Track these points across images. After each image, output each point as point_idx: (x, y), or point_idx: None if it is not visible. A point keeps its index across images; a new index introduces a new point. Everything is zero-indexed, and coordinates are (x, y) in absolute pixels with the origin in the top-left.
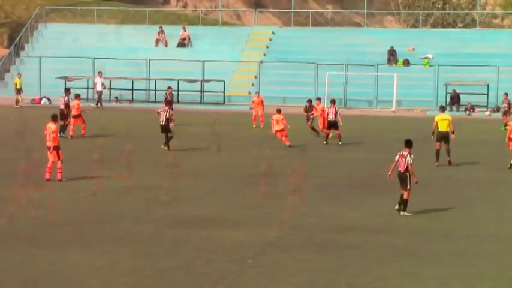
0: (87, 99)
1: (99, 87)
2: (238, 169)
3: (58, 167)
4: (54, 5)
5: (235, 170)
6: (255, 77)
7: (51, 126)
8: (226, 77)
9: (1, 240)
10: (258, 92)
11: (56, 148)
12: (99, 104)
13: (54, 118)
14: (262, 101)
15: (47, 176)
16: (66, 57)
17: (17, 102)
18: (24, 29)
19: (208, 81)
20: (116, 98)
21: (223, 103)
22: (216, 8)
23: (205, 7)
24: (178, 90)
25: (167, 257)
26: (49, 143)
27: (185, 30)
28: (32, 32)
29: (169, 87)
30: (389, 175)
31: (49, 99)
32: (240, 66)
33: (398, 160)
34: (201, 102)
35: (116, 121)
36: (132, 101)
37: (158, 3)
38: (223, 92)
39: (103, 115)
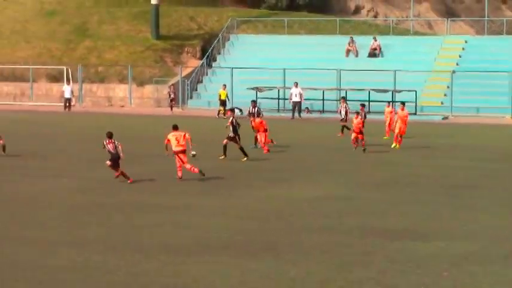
0: (278, 110)
1: (295, 98)
2: (428, 180)
3: (188, 168)
4: (245, 17)
5: (425, 180)
6: (447, 87)
7: (181, 133)
8: (417, 87)
9: (194, 249)
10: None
11: (183, 152)
12: (296, 115)
13: (175, 127)
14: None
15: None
16: (257, 68)
17: (219, 113)
18: (216, 41)
19: (399, 91)
20: (307, 108)
21: (415, 113)
22: (407, 17)
23: (396, 16)
24: (369, 101)
25: (358, 268)
26: (179, 148)
27: (376, 40)
28: (223, 43)
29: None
30: None
31: (240, 110)
32: (432, 76)
33: None
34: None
35: (306, 131)
36: (323, 111)
37: (349, 13)
38: (415, 102)
39: (296, 126)
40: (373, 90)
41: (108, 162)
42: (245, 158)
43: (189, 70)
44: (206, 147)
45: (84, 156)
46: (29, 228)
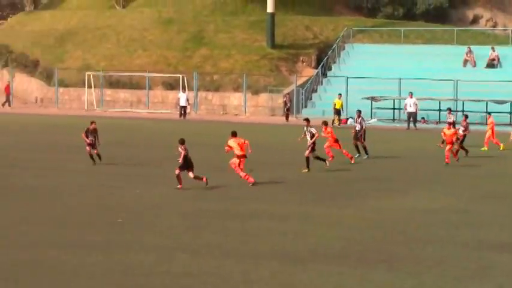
0: (393, 120)
1: (410, 108)
2: None
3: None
4: (361, 26)
5: None
6: None
7: (241, 139)
8: None
9: (308, 258)
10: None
11: (244, 157)
12: (411, 125)
13: (234, 134)
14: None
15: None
16: (372, 78)
17: (333, 122)
18: (331, 50)
19: None
20: (423, 118)
21: None
22: None
23: None
24: (486, 112)
25: (475, 281)
26: (241, 153)
27: (494, 51)
28: (338, 52)
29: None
30: None
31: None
32: None
33: None
34: (510, 124)
35: (420, 142)
36: (439, 122)
37: (467, 23)
38: None
39: (411, 136)
40: (491, 101)
41: (177, 171)
42: (306, 170)
43: (304, 79)
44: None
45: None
46: (147, 234)
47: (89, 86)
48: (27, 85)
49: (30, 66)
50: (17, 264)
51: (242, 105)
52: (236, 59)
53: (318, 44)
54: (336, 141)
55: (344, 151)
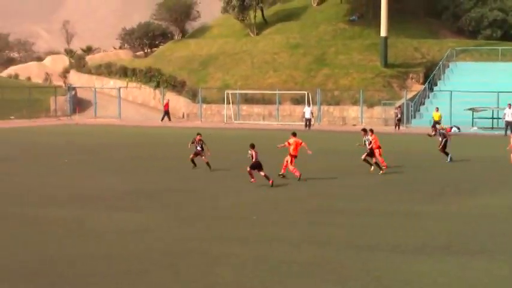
0: (492, 128)
1: (508, 118)
2: None
3: (291, 170)
4: (463, 47)
5: None
6: None
7: (299, 140)
8: None
9: (418, 249)
10: None
11: (296, 156)
12: (508, 132)
13: (294, 134)
14: None
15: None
16: (473, 92)
17: (433, 132)
18: (437, 68)
19: None
20: None
21: None
22: None
23: None
24: None
25: None
26: (295, 152)
27: None
28: (443, 70)
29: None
30: None
31: (458, 128)
32: None
33: None
34: None
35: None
36: None
37: None
38: None
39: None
40: None
41: (248, 169)
42: (380, 172)
43: (413, 93)
44: (408, 160)
45: (323, 168)
46: (277, 229)
47: (228, 102)
48: (175, 102)
49: (178, 87)
50: (171, 254)
51: (359, 117)
52: (354, 77)
53: (426, 63)
54: (379, 147)
55: (381, 158)
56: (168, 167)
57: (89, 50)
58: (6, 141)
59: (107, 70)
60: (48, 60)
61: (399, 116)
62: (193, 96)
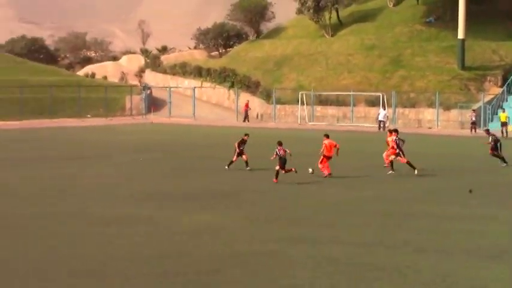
0: None
1: None
2: None
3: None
4: None
5: None
6: None
7: (334, 142)
8: None
9: (486, 253)
10: None
11: (330, 158)
12: None
13: (327, 136)
14: None
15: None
16: None
17: (502, 133)
18: None
19: None
20: None
21: None
22: None
23: None
24: None
25: None
26: (329, 154)
27: None
28: None
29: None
30: None
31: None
32: None
33: None
34: None
35: None
36: None
37: None
38: None
39: None
40: None
41: (277, 167)
42: (416, 171)
43: (490, 96)
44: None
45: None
46: (348, 231)
47: (302, 103)
48: (249, 103)
49: (252, 87)
50: (244, 254)
51: (435, 120)
52: (430, 79)
53: (504, 66)
54: (393, 148)
55: (392, 159)
56: (241, 167)
57: (164, 50)
58: (83, 139)
59: (182, 70)
60: (124, 60)
61: (473, 119)
62: (267, 96)
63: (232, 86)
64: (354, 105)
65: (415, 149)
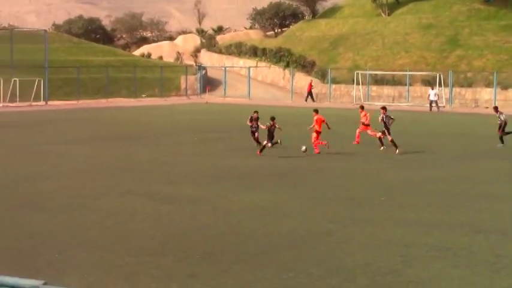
0: None
1: None
2: None
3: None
4: None
5: None
6: None
7: (320, 117)
8: None
9: None
10: None
11: (319, 133)
12: None
13: (316, 111)
14: None
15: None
16: None
17: None
18: None
19: None
20: None
21: None
22: None
23: None
24: None
25: None
26: (318, 128)
27: None
28: None
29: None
30: None
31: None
32: None
33: None
34: None
35: None
36: None
37: None
38: None
39: None
40: None
41: (266, 142)
42: (397, 151)
43: None
44: None
45: (455, 152)
46: (409, 210)
47: (357, 83)
48: (305, 82)
49: (307, 67)
50: (299, 234)
51: (492, 99)
52: (488, 58)
53: None
54: (364, 124)
55: (371, 132)
56: (295, 146)
57: (219, 30)
58: (139, 119)
59: (237, 50)
60: (179, 40)
61: None
62: (322, 76)
63: (287, 65)
64: (410, 85)
65: (475, 130)
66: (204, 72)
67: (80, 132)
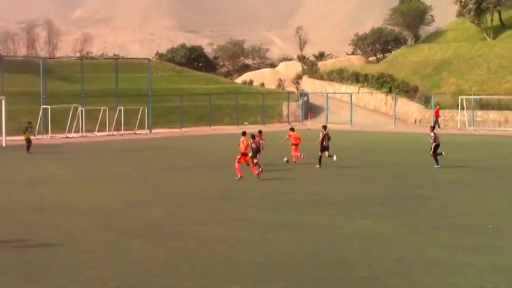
0: None
1: None
2: None
3: None
4: None
5: None
6: None
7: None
8: None
9: None
10: None
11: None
12: None
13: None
14: None
15: None
16: None
17: None
18: None
19: None
20: None
21: None
22: None
23: None
24: None
25: None
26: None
27: None
28: None
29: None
30: None
31: None
32: None
33: None
34: None
35: None
36: None
37: None
38: None
39: None
40: None
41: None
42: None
43: None
44: None
45: None
46: (508, 239)
47: (462, 108)
48: (407, 108)
49: (410, 92)
50: (403, 261)
51: None
52: None
53: None
54: (294, 144)
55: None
56: (400, 172)
57: (321, 56)
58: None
59: (339, 76)
60: (281, 67)
61: None
62: (425, 101)
63: (389, 91)
64: None
65: None
66: (306, 98)
67: (185, 160)
